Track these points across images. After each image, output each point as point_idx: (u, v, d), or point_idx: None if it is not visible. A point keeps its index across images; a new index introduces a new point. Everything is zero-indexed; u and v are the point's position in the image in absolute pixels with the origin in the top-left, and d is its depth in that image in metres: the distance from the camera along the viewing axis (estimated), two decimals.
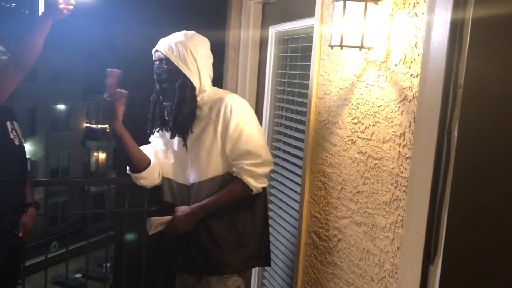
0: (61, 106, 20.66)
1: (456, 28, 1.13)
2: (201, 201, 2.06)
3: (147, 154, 2.20)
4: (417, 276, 1.22)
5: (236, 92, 3.14)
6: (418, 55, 1.51)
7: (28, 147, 18.77)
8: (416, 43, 1.53)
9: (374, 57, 1.74)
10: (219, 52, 3.21)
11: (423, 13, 1.50)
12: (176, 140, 2.15)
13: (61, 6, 2.08)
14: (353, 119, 1.86)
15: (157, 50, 2.08)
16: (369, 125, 1.76)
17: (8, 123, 2.37)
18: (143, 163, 2.17)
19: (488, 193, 1.08)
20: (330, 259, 2.02)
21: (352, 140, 1.87)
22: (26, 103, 17.70)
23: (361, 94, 1.81)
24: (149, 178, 2.18)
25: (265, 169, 2.04)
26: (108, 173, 21.30)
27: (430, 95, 1.21)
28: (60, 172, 20.35)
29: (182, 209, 2.09)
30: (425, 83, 1.25)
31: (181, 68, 2.02)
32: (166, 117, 2.09)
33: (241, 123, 2.01)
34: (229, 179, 2.05)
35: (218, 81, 3.22)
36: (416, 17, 1.53)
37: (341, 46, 1.65)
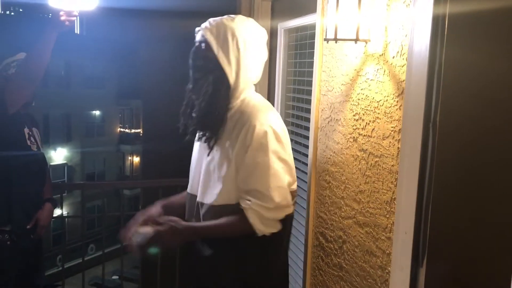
0: (95, 112, 21.16)
1: (438, 21, 1.06)
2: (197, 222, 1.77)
3: None
4: (406, 279, 1.14)
5: None
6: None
7: (65, 152, 19.32)
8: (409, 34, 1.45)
9: (372, 50, 1.66)
10: None
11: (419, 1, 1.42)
12: (197, 143, 1.86)
13: (63, 18, 2.10)
14: (354, 115, 1.79)
15: (199, 30, 1.76)
16: (370, 121, 1.69)
17: (26, 130, 2.43)
18: None
19: (472, 189, 1.00)
20: (336, 261, 1.95)
21: (353, 137, 1.79)
22: (61, 109, 18.23)
23: (361, 89, 1.74)
24: None
25: (277, 215, 1.68)
26: (142, 177, 21.68)
27: (414, 88, 1.14)
28: (96, 176, 20.83)
29: (173, 223, 1.68)
30: (410, 76, 1.18)
31: (219, 58, 1.68)
32: (193, 114, 1.76)
33: (260, 156, 1.64)
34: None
35: None
36: (413, 6, 1.45)
37: (336, 39, 1.59)
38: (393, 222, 1.54)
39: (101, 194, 17.83)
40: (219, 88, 1.69)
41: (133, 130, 22.38)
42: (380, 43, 1.62)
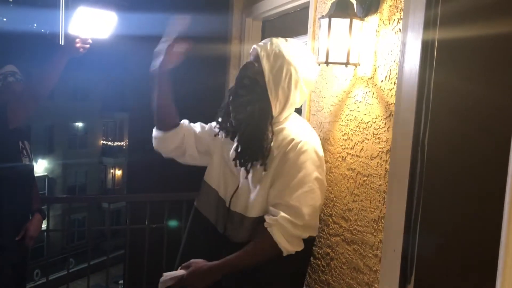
0: (78, 124, 20.98)
1: (427, 48, 1.13)
2: (222, 259, 1.66)
3: (187, 125, 1.95)
4: None
5: None
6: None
7: (46, 164, 19.04)
8: (398, 60, 1.52)
9: (362, 73, 1.73)
10: (220, 69, 3.24)
11: (401, 31, 1.49)
12: (227, 145, 1.84)
13: (78, 45, 2.16)
14: (343, 135, 1.85)
15: (255, 48, 1.73)
16: (358, 141, 1.75)
17: (20, 143, 2.45)
18: (167, 122, 1.91)
19: (460, 208, 1.06)
20: (323, 277, 1.99)
21: (342, 156, 1.85)
22: (44, 121, 18.02)
23: (350, 110, 1.80)
24: (164, 141, 1.93)
25: (303, 233, 1.63)
26: (124, 190, 21.47)
27: (403, 111, 1.20)
28: (78, 189, 20.56)
29: (198, 265, 1.67)
30: (400, 100, 1.24)
31: (268, 88, 1.67)
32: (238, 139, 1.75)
33: (301, 171, 1.63)
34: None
35: (220, 98, 3.25)
36: (400, 33, 1.53)
37: (327, 63, 1.65)
38: (380, 240, 1.59)
39: (82, 208, 17.61)
40: (261, 115, 1.68)
41: (116, 143, 22.22)
42: (369, 67, 1.68)
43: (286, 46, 1.70)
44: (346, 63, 1.64)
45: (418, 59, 1.14)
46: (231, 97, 1.74)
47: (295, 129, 1.71)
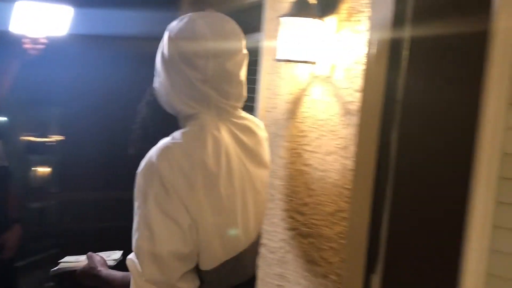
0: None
1: (394, 47, 1.19)
2: (115, 274, 1.50)
3: None
4: (358, 285, 1.25)
5: None
6: (360, 71, 1.57)
7: None
8: (359, 59, 1.58)
9: (319, 72, 1.78)
10: None
11: (366, 30, 1.56)
12: None
13: (27, 46, 1.93)
14: (299, 132, 1.89)
15: None
16: (315, 138, 1.80)
17: None
18: None
19: (426, 203, 1.13)
20: (277, 270, 2.03)
21: (298, 152, 1.90)
22: None
23: (307, 107, 1.85)
24: None
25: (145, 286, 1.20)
26: (50, 188, 20.49)
27: (368, 109, 1.26)
28: None
29: (93, 265, 1.59)
30: (365, 96, 1.30)
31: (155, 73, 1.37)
32: None
33: (138, 201, 1.22)
34: None
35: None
36: (358, 34, 1.59)
37: (286, 60, 1.69)
38: (336, 233, 1.65)
39: None
40: (150, 109, 1.41)
41: (43, 139, 21.17)
42: (327, 65, 1.74)
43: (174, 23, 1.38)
44: (305, 61, 1.69)
45: (385, 57, 1.20)
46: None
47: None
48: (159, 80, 1.34)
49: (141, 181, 1.20)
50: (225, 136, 1.32)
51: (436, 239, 1.08)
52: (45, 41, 1.91)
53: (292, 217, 1.93)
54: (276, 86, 2.07)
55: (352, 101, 1.61)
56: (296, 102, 1.93)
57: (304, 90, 1.87)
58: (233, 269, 1.32)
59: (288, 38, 1.68)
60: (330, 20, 1.72)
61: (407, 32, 1.18)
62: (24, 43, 1.89)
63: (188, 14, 1.38)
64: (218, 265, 1.25)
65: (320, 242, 1.75)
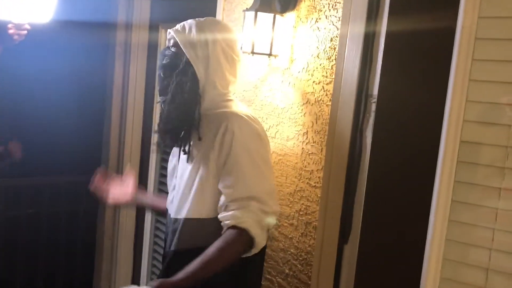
0: None
1: (368, 43, 1.36)
2: (185, 267, 1.38)
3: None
4: (333, 253, 1.43)
5: (123, 100, 3.07)
6: (320, 65, 1.74)
7: None
8: (318, 54, 1.75)
9: (277, 64, 1.93)
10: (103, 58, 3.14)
11: (325, 28, 1.73)
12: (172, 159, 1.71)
13: (11, 31, 1.83)
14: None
15: (170, 32, 1.61)
16: (273, 124, 1.95)
17: None
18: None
19: (398, 184, 1.33)
20: None
21: None
22: None
23: (265, 96, 1.99)
24: None
25: (272, 222, 1.45)
26: None
27: (343, 101, 1.43)
28: None
29: (165, 281, 1.36)
30: (338, 90, 1.47)
31: (185, 51, 1.52)
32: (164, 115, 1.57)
33: (244, 158, 1.45)
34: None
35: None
36: (318, 31, 1.76)
37: (253, 53, 1.81)
38: (296, 210, 1.83)
39: None
40: (185, 80, 1.51)
41: None
42: (285, 58, 1.89)
43: (195, 19, 1.60)
44: (269, 54, 1.82)
45: (359, 54, 1.37)
46: (159, 91, 1.61)
47: (229, 110, 1.54)
48: (200, 63, 1.54)
49: (239, 142, 1.45)
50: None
51: (405, 211, 1.28)
52: (28, 27, 1.85)
53: None
54: None
55: (312, 92, 1.78)
56: (253, 91, 2.06)
57: (262, 79, 2.01)
58: None
59: (252, 31, 1.80)
60: (290, 16, 1.86)
61: (379, 27, 1.35)
62: (9, 29, 1.81)
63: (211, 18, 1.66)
64: None
65: (280, 220, 1.92)
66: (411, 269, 1.26)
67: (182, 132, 1.56)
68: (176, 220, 1.58)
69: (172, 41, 1.59)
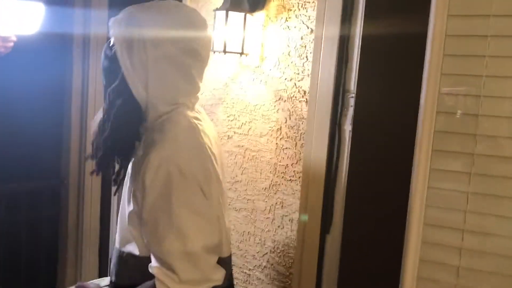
0: None
1: (343, 42, 1.43)
2: None
3: None
4: (316, 243, 1.50)
5: (82, 104, 2.99)
6: (291, 62, 1.80)
7: None
8: (289, 52, 1.81)
9: (248, 62, 1.97)
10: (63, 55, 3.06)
11: (295, 27, 1.79)
12: None
13: None
14: (228, 116, 2.06)
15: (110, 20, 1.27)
16: (246, 121, 1.99)
17: None
18: None
19: (377, 176, 1.41)
20: None
21: (228, 135, 2.07)
22: None
23: (236, 94, 2.02)
24: None
25: None
26: None
27: (321, 97, 1.50)
28: None
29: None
30: (315, 87, 1.53)
31: (120, 60, 1.19)
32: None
33: (161, 206, 1.14)
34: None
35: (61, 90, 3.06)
36: (288, 30, 1.81)
37: (225, 52, 1.84)
38: (272, 205, 1.89)
39: None
40: (124, 102, 1.21)
41: None
42: (256, 57, 1.93)
43: (146, 4, 1.25)
44: (241, 53, 1.86)
45: (335, 52, 1.43)
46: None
47: (163, 133, 1.18)
48: (137, 78, 1.20)
49: (158, 184, 1.13)
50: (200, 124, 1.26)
51: (385, 198, 1.36)
52: (15, 39, 1.78)
53: None
54: None
55: (284, 89, 1.83)
56: (223, 89, 2.09)
57: (232, 78, 2.04)
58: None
59: (223, 31, 1.83)
60: (260, 15, 1.91)
61: (354, 26, 1.42)
62: None
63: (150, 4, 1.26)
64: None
65: (255, 214, 1.96)
66: (393, 255, 1.34)
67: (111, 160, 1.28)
68: (120, 251, 1.33)
69: (109, 38, 1.27)
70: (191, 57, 1.22)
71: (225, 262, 1.24)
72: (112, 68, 1.23)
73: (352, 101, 1.41)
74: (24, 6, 1.76)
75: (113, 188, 1.32)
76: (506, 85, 1.23)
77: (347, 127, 1.43)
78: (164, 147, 1.14)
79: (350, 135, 1.42)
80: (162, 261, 1.14)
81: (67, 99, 3.03)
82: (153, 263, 1.17)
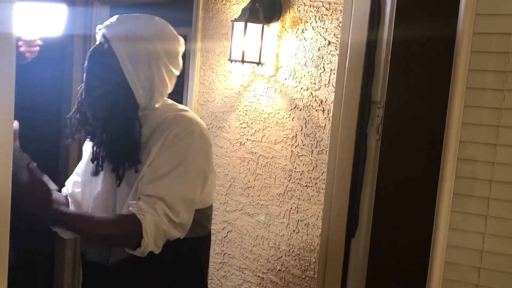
0: None
1: (370, 51, 1.50)
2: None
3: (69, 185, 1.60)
4: (341, 247, 1.56)
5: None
6: (307, 72, 1.87)
7: None
8: (305, 62, 1.87)
9: (261, 71, 2.02)
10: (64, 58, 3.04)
11: (311, 38, 1.85)
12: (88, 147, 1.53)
13: (22, 49, 1.71)
14: (241, 123, 2.11)
15: (101, 29, 1.41)
16: (259, 129, 2.05)
17: None
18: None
19: (400, 183, 1.49)
20: (218, 250, 2.24)
21: (241, 142, 2.12)
22: None
23: (249, 102, 2.08)
24: None
25: (173, 233, 1.34)
26: None
27: (346, 107, 1.57)
28: None
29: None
30: (340, 97, 1.60)
31: (126, 74, 1.36)
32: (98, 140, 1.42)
33: (177, 158, 1.35)
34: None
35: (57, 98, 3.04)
36: (305, 41, 1.88)
37: (243, 61, 1.89)
38: (286, 209, 1.95)
39: None
40: (124, 106, 1.37)
41: None
42: (271, 66, 1.99)
43: (139, 20, 1.42)
44: (258, 63, 1.92)
45: (362, 61, 1.51)
46: (83, 94, 1.42)
47: (172, 109, 1.46)
48: (131, 73, 1.37)
49: (182, 142, 1.36)
50: None
51: (409, 212, 1.43)
52: (40, 43, 1.76)
53: (234, 200, 2.15)
54: (211, 81, 2.25)
55: (300, 98, 1.90)
56: (236, 97, 2.14)
57: (245, 86, 2.10)
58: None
59: (242, 41, 1.88)
60: (275, 26, 1.97)
61: (380, 36, 1.49)
62: (20, 46, 1.71)
63: (136, 15, 1.45)
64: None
65: (268, 219, 2.02)
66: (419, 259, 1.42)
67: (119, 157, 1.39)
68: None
69: (103, 44, 1.39)
70: (179, 65, 1.48)
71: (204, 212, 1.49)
72: (105, 74, 1.38)
73: (378, 111, 1.48)
74: (46, 8, 1.77)
75: (116, 181, 1.40)
76: None
77: (373, 136, 1.51)
78: (185, 117, 1.42)
79: (377, 144, 1.49)
80: (167, 202, 1.32)
81: (66, 101, 3.02)
82: (153, 200, 1.32)
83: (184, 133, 1.36)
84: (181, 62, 1.48)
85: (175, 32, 1.47)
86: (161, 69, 1.40)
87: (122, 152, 1.38)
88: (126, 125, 1.38)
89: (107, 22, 1.42)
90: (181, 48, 1.47)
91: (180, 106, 1.51)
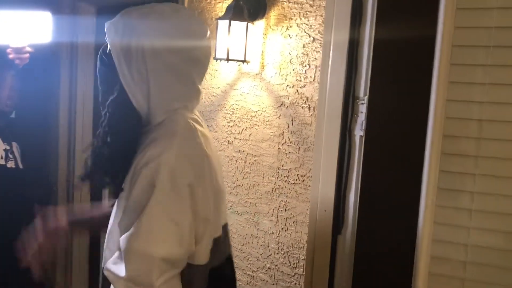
0: None
1: (353, 48, 1.50)
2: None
3: None
4: (328, 244, 1.56)
5: (70, 108, 2.97)
6: (293, 70, 1.86)
7: None
8: (291, 60, 1.87)
9: (247, 69, 2.02)
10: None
11: (296, 35, 1.85)
12: None
13: (11, 56, 1.72)
14: (228, 122, 2.11)
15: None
16: (246, 127, 2.04)
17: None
18: None
19: (384, 178, 1.48)
20: None
21: (228, 141, 2.11)
22: None
23: (236, 100, 2.07)
24: None
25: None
26: None
27: (330, 104, 1.57)
28: None
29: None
30: (324, 93, 1.60)
31: (119, 70, 1.16)
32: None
33: (142, 200, 1.11)
34: None
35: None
36: (289, 38, 1.87)
37: (228, 59, 1.89)
38: (275, 207, 1.94)
39: None
40: (123, 113, 1.19)
41: None
42: (256, 64, 1.98)
43: (143, 8, 1.20)
44: (244, 60, 1.91)
45: (345, 59, 1.50)
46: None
47: (160, 135, 1.17)
48: (138, 89, 1.18)
49: (145, 180, 1.11)
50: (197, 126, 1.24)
51: (397, 200, 1.43)
52: (30, 50, 1.76)
53: None
54: None
55: (286, 95, 1.89)
56: (223, 96, 2.13)
57: (232, 85, 2.09)
58: (214, 256, 1.27)
59: (227, 39, 1.88)
60: (260, 24, 1.96)
61: (362, 34, 1.49)
62: (8, 53, 1.72)
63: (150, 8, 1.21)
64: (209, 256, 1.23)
65: (257, 217, 2.02)
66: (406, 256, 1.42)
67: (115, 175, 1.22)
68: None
69: (106, 46, 1.23)
70: (192, 65, 1.22)
71: (198, 270, 1.21)
72: (110, 76, 1.20)
73: (361, 108, 1.48)
74: (31, 16, 1.76)
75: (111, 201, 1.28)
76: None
77: (357, 132, 1.51)
78: (160, 144, 1.13)
79: (362, 140, 1.49)
80: (121, 248, 1.12)
81: (54, 106, 3.00)
82: (108, 264, 1.16)
83: (151, 168, 1.10)
84: (202, 56, 1.25)
85: (190, 18, 1.28)
86: (160, 65, 1.18)
87: (115, 165, 1.20)
88: (121, 136, 1.21)
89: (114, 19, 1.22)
90: (198, 39, 1.23)
91: (174, 128, 1.18)
